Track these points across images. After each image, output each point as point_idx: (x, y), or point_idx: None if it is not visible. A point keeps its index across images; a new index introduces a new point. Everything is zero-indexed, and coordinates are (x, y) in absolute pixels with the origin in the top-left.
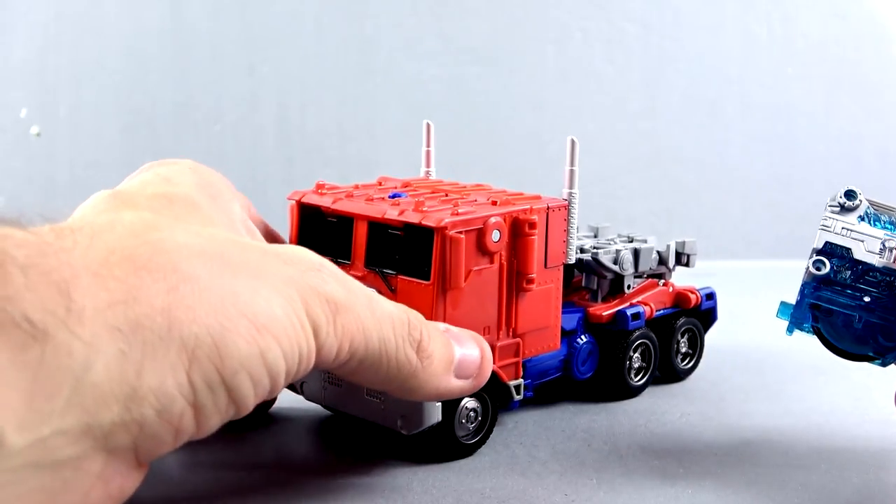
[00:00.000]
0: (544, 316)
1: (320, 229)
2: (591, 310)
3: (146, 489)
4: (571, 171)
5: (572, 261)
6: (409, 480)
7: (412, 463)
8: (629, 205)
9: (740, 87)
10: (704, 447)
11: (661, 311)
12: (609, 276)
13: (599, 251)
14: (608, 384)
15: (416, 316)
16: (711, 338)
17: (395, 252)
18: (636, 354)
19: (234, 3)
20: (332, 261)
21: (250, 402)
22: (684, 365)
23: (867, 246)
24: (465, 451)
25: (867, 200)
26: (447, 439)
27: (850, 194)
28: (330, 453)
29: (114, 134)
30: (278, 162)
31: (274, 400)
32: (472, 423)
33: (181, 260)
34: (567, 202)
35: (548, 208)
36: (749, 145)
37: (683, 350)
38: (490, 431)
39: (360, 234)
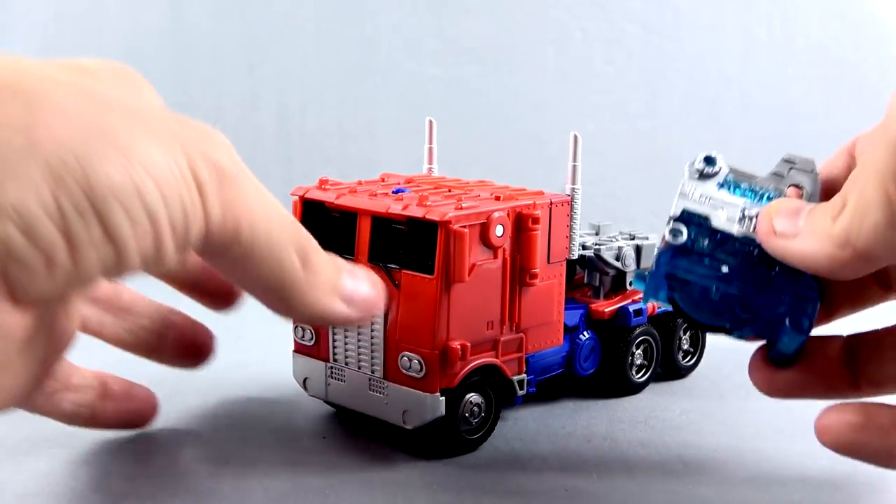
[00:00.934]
0: (547, 311)
1: (324, 225)
2: (593, 306)
3: (147, 486)
4: (574, 167)
5: (575, 256)
6: (409, 476)
7: (412, 458)
8: (629, 204)
9: (740, 87)
10: (705, 444)
11: (663, 308)
12: (611, 272)
13: (602, 247)
14: (610, 381)
15: (304, 230)
16: (712, 336)
17: (398, 246)
18: (638, 351)
19: (234, 3)
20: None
21: (129, 241)
22: (686, 362)
23: (726, 214)
24: (469, 446)
25: (728, 166)
26: (450, 434)
27: (709, 160)
28: (331, 448)
29: None
30: (278, 161)
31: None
32: (475, 418)
33: (49, 89)
34: (570, 198)
35: (551, 203)
36: (749, 145)
37: (685, 347)
38: (493, 427)
39: (364, 228)
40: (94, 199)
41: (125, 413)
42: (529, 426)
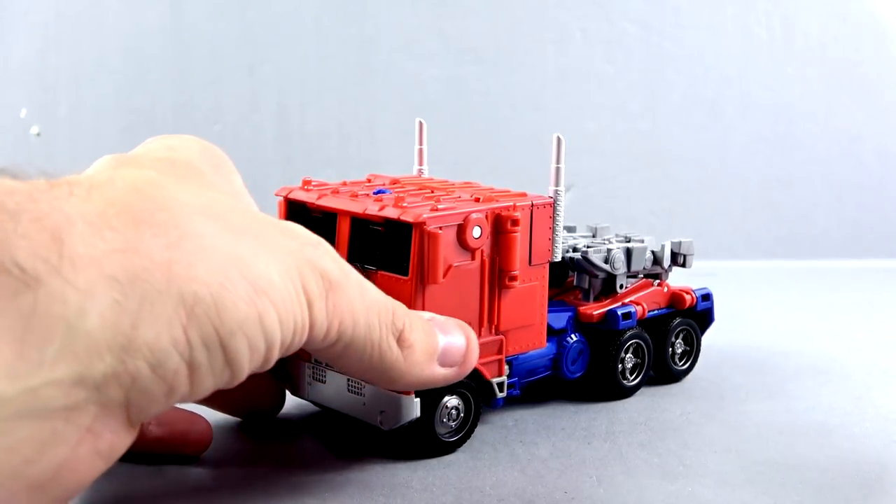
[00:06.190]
0: (528, 313)
1: (306, 225)
2: (581, 309)
3: (148, 486)
4: (557, 169)
5: (558, 258)
6: (409, 478)
7: (412, 460)
8: (629, 205)
9: (740, 87)
10: (704, 445)
11: (655, 312)
12: (600, 275)
13: (590, 250)
14: (599, 384)
15: (399, 306)
16: (711, 337)
17: (375, 247)
18: (628, 355)
19: (234, 3)
20: None
21: (245, 366)
22: (680, 366)
23: None
24: (446, 448)
25: None
26: (427, 436)
27: None
28: (330, 451)
29: (114, 134)
30: (278, 162)
31: (282, 405)
32: (453, 421)
33: (183, 216)
34: (553, 199)
35: (532, 205)
36: (749, 145)
37: (679, 351)
38: (472, 429)
39: (343, 229)
40: (221, 332)
41: (174, 439)
42: (529, 428)
